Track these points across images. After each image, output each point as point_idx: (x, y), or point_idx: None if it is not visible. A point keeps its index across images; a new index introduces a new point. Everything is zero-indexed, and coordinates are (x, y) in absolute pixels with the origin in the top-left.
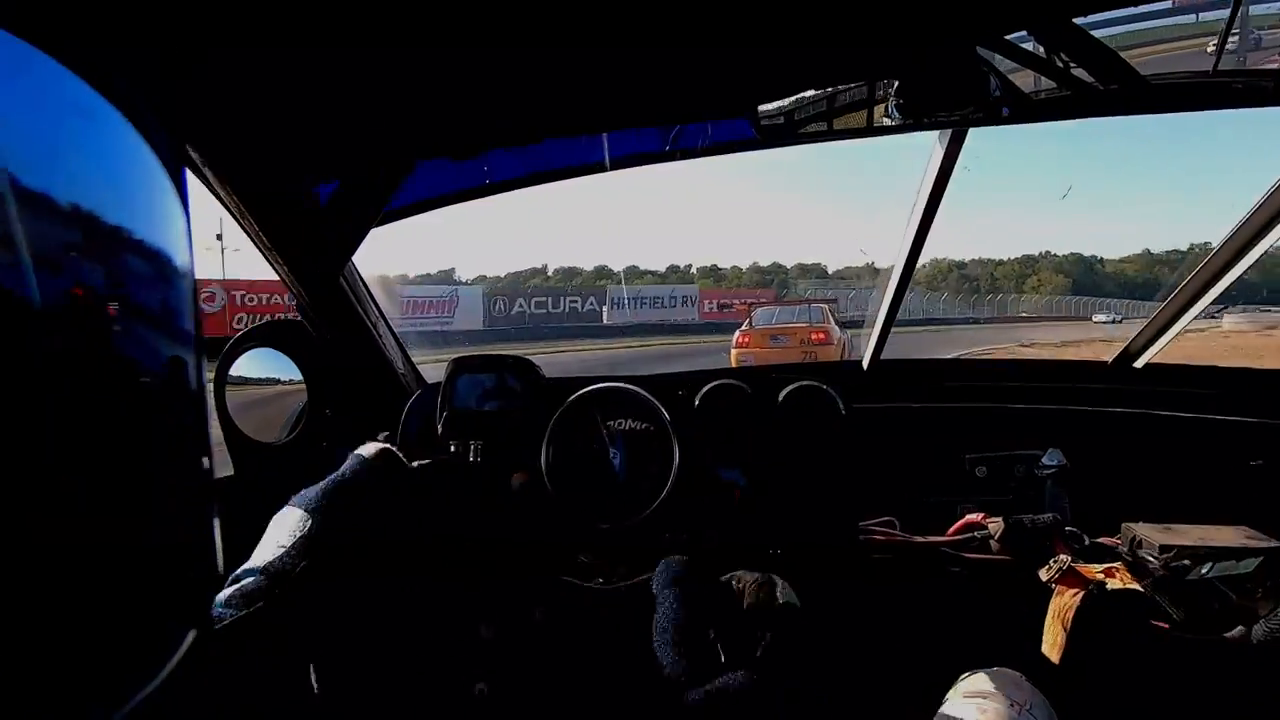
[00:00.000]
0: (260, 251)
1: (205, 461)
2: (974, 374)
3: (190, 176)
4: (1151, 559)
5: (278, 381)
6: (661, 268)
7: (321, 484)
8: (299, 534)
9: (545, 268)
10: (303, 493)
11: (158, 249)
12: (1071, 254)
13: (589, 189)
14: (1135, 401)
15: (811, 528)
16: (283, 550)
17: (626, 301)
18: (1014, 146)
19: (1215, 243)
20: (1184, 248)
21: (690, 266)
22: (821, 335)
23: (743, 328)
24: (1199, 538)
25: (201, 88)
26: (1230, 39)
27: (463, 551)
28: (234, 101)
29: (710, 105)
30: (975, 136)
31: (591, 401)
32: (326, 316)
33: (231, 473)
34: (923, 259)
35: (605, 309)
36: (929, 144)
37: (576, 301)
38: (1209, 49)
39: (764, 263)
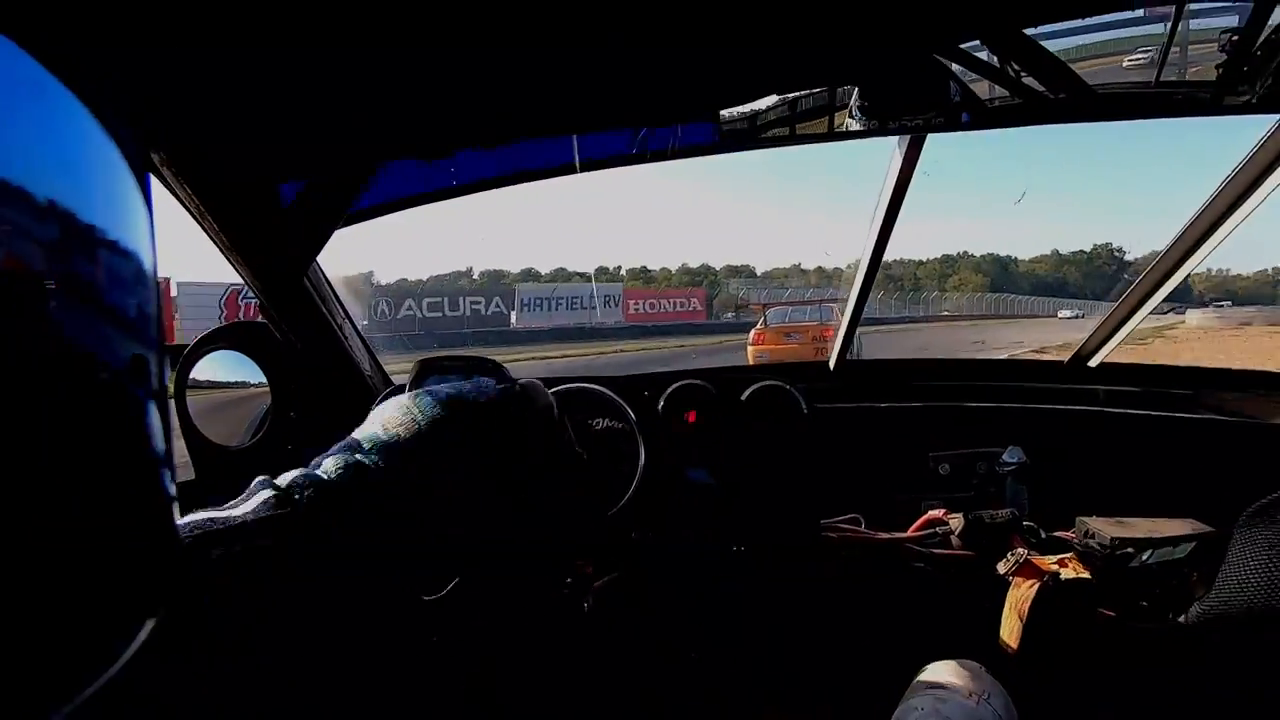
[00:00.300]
0: (220, 252)
1: (162, 453)
2: (937, 373)
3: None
4: (1098, 549)
5: (241, 384)
6: (590, 269)
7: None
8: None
9: (470, 270)
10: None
11: (117, 248)
12: (988, 254)
13: (521, 193)
14: (1090, 400)
15: (776, 526)
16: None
17: (537, 303)
18: (929, 153)
19: (1116, 242)
20: (1088, 248)
21: (620, 268)
22: (831, 332)
23: (757, 327)
24: (1148, 530)
25: (163, 84)
26: (1171, 52)
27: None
28: (196, 99)
29: (673, 109)
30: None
31: (560, 402)
32: (290, 318)
33: (192, 477)
34: (845, 261)
35: (513, 312)
36: (860, 149)
37: (480, 303)
38: (1125, 64)
39: (693, 264)
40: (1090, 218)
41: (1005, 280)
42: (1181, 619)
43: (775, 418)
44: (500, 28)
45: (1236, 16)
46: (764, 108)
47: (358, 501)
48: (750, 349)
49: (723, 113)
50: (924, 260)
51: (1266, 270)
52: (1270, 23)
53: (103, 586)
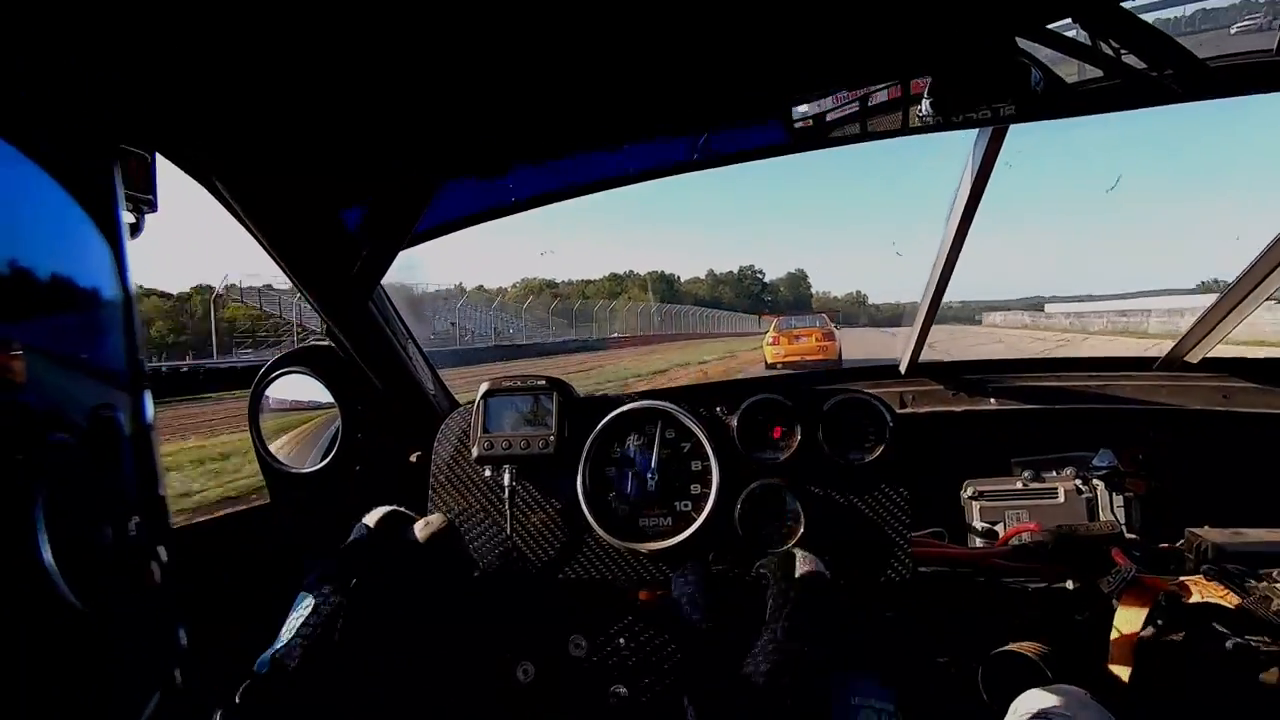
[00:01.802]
0: (289, 279)
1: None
2: (1014, 371)
3: (224, 212)
4: (1240, 573)
5: (311, 406)
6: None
7: (326, 562)
8: (303, 621)
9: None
10: (310, 576)
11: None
12: (653, 272)
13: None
14: (1192, 399)
15: (869, 556)
16: (292, 639)
17: None
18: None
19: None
20: (735, 269)
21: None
22: (825, 334)
23: (771, 332)
24: (1265, 544)
25: (223, 122)
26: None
27: (485, 600)
28: (257, 133)
29: (742, 109)
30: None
31: (626, 421)
32: (356, 340)
33: (268, 501)
34: (511, 279)
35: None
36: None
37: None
38: (1234, 30)
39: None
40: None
41: (672, 297)
42: None
43: (860, 433)
44: (559, 38)
45: None
46: (833, 105)
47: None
48: (768, 349)
49: (794, 110)
50: (593, 279)
51: None
52: None
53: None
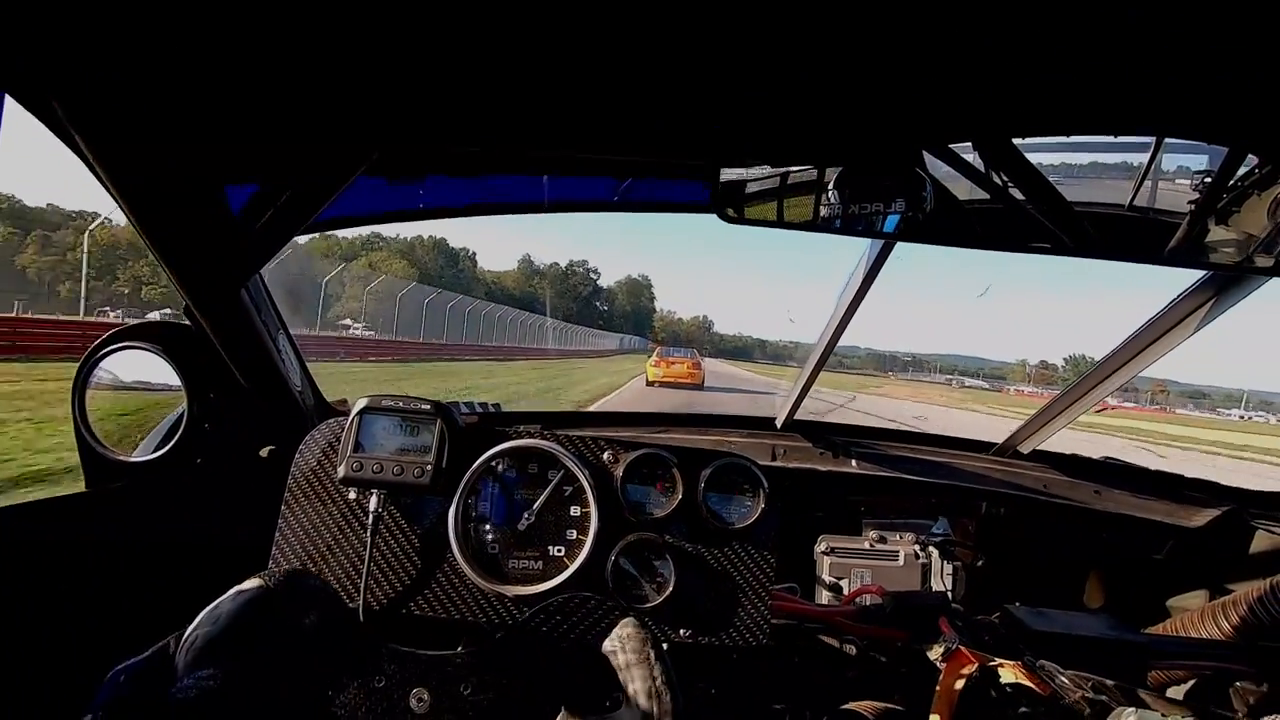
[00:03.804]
0: (149, 251)
1: None
2: (876, 438)
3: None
4: (1065, 681)
5: (151, 388)
6: None
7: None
8: None
9: None
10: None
11: None
12: (425, 237)
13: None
14: (1018, 484)
15: (731, 617)
16: None
17: None
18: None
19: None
20: (563, 263)
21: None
22: (695, 364)
23: (654, 357)
24: (1067, 626)
25: (86, 46)
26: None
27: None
28: (138, 80)
29: (670, 163)
30: None
31: (507, 458)
32: (220, 326)
33: (82, 489)
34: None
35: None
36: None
37: None
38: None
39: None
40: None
41: (454, 282)
42: None
43: (737, 492)
44: (498, 51)
45: (1207, 157)
46: (755, 176)
47: None
48: (650, 369)
49: (721, 173)
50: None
51: None
52: (1238, 172)
53: None
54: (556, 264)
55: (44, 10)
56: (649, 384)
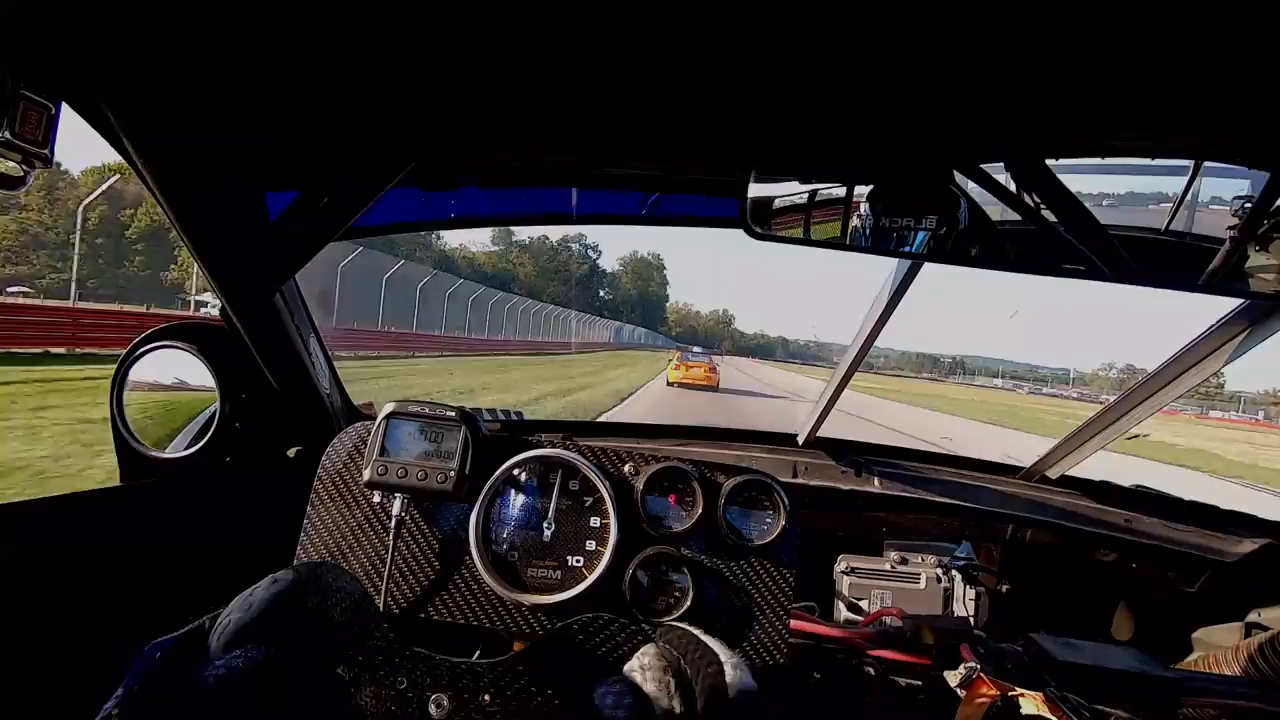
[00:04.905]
0: (189, 253)
1: None
2: (900, 458)
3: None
4: (1088, 716)
5: (185, 387)
6: None
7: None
8: None
9: None
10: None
11: None
12: None
13: None
14: (1046, 509)
15: (748, 634)
16: None
17: None
18: None
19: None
20: (553, 237)
21: None
22: (711, 368)
23: (675, 361)
24: (1094, 658)
25: (140, 77)
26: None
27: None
28: (184, 86)
29: (698, 179)
30: None
31: (529, 467)
32: (255, 328)
33: (117, 483)
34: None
35: None
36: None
37: None
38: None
39: None
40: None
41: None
42: None
43: (756, 515)
44: (534, 64)
45: (1249, 183)
46: (783, 193)
47: None
48: (671, 372)
49: (750, 190)
50: None
51: None
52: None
53: None
54: (545, 238)
55: (95, 17)
56: (669, 384)
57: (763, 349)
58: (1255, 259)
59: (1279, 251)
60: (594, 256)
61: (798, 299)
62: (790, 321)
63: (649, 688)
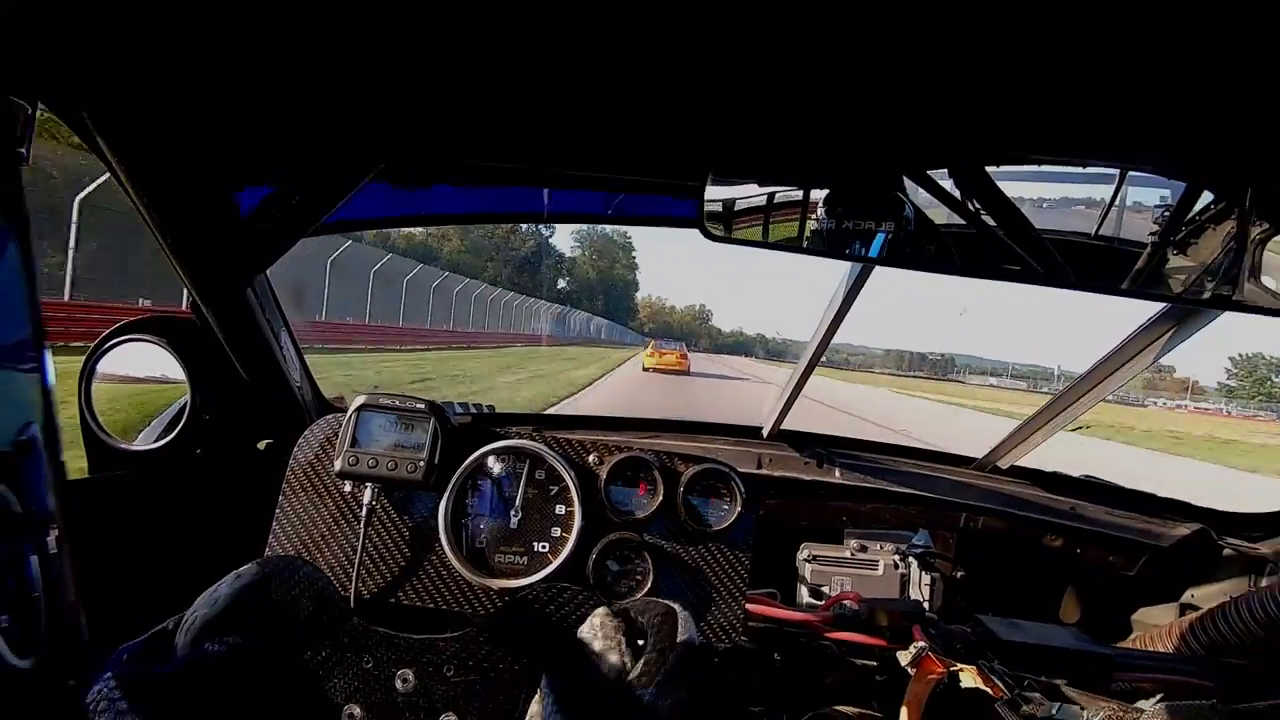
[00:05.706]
0: (161, 249)
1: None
2: (860, 450)
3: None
4: (1005, 675)
5: (157, 380)
6: None
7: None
8: None
9: None
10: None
11: None
12: None
13: None
14: (997, 498)
15: (706, 616)
16: None
17: None
18: None
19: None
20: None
21: None
22: (682, 355)
23: (649, 347)
24: (1035, 636)
25: (114, 47)
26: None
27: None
28: (157, 84)
29: (659, 180)
30: None
31: (497, 458)
32: (225, 322)
33: (85, 476)
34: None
35: None
36: None
37: None
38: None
39: None
40: None
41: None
42: None
43: (713, 503)
44: (508, 66)
45: (1169, 191)
46: (742, 194)
47: None
48: (646, 358)
49: (708, 191)
50: None
51: None
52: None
53: None
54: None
55: (73, 20)
56: (644, 370)
57: (741, 346)
58: (1174, 261)
59: (1195, 255)
60: (545, 234)
61: (774, 296)
62: (767, 319)
63: (597, 645)
